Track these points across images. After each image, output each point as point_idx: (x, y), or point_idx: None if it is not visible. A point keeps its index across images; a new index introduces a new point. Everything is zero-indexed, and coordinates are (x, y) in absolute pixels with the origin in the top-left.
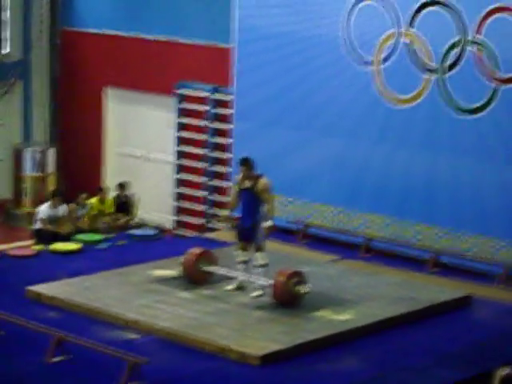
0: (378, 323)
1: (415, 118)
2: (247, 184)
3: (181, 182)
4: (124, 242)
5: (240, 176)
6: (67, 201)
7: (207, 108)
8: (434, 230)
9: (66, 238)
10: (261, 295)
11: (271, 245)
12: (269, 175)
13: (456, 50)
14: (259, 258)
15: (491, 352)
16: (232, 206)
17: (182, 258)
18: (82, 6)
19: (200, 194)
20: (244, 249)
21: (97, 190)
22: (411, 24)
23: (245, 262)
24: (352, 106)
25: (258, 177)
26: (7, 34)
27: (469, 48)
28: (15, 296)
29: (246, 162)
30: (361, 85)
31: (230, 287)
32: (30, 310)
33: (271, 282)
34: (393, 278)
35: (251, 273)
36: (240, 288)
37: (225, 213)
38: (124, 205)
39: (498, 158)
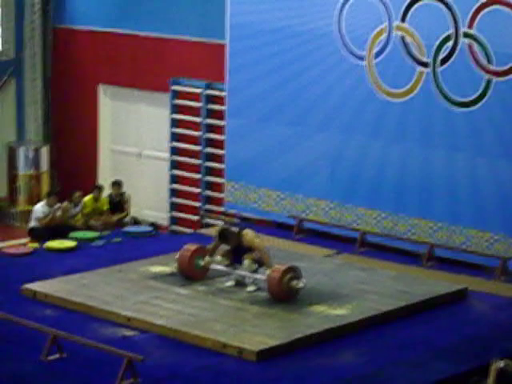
0: (374, 317)
1: (410, 112)
2: (233, 244)
3: (175, 179)
4: (119, 239)
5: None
6: (62, 199)
7: (201, 104)
8: (430, 224)
9: (62, 234)
10: (256, 290)
11: (266, 240)
12: (263, 171)
13: (449, 44)
14: (248, 264)
15: (488, 345)
16: (212, 252)
17: (177, 255)
18: (74, 4)
19: (194, 190)
20: (226, 256)
21: (93, 188)
22: (404, 18)
23: (228, 266)
24: (346, 101)
25: (239, 233)
26: None
27: (462, 41)
28: (11, 294)
29: (224, 239)
30: (355, 79)
31: (229, 283)
32: (26, 308)
33: (266, 277)
34: (389, 272)
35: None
36: (239, 283)
37: (207, 259)
38: (118, 203)
39: (493, 151)
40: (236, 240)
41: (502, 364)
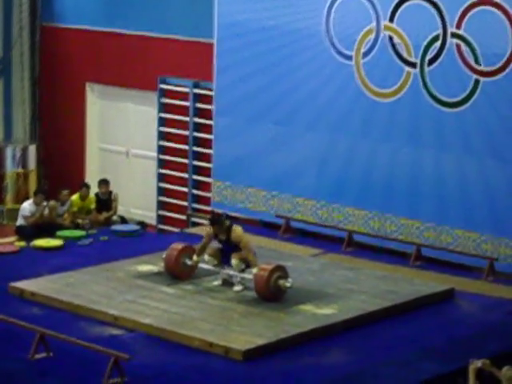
0: (361, 317)
1: (398, 112)
2: (221, 237)
3: (163, 178)
4: (106, 237)
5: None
6: (49, 197)
7: (189, 103)
8: (417, 224)
9: (49, 233)
10: (243, 289)
11: (254, 239)
12: (251, 170)
13: (437, 44)
14: (236, 263)
15: (474, 345)
16: (200, 251)
17: (164, 254)
18: (62, 3)
19: (182, 189)
20: (214, 256)
21: (81, 186)
22: (392, 18)
23: (216, 266)
24: (334, 101)
25: (229, 227)
26: None
27: (450, 41)
28: None
29: (215, 222)
30: (343, 79)
31: (216, 283)
32: (13, 307)
33: (253, 276)
34: (376, 272)
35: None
36: (226, 283)
37: (195, 258)
38: (106, 201)
39: (481, 151)
40: (225, 231)
41: (479, 364)
